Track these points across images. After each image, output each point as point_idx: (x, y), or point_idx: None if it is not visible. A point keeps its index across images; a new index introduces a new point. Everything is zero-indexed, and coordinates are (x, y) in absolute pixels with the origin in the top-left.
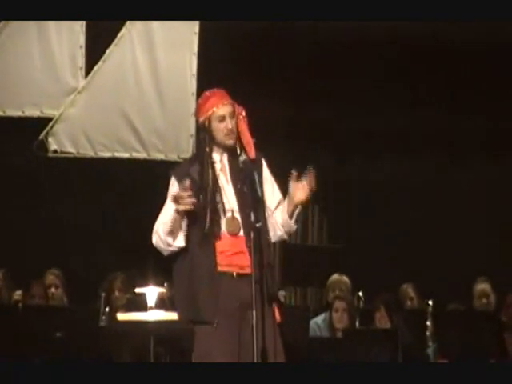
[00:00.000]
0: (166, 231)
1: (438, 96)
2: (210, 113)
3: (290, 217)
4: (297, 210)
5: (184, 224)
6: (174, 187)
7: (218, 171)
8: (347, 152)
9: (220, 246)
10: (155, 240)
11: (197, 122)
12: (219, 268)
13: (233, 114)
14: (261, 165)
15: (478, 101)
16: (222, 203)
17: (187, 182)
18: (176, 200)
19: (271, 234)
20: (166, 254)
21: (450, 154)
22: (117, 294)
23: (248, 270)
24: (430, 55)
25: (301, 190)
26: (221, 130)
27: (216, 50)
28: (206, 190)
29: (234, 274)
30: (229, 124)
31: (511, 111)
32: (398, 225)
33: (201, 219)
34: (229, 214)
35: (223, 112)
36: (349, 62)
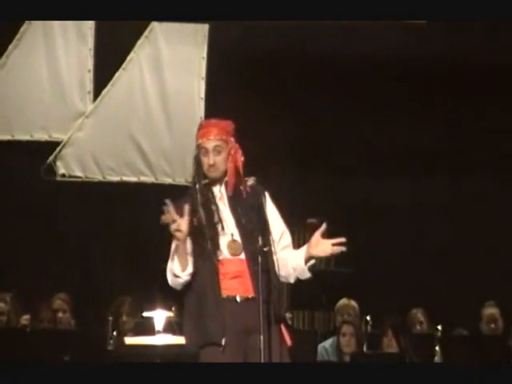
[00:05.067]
0: (174, 264)
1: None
2: (197, 143)
3: (306, 262)
4: (312, 260)
5: (189, 250)
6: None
7: (217, 199)
8: (354, 174)
9: (222, 269)
10: (169, 279)
11: None
12: (223, 292)
13: (219, 150)
14: (264, 197)
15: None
16: (222, 227)
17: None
18: (173, 228)
19: (282, 270)
20: (179, 288)
21: (455, 177)
22: (124, 318)
23: (251, 294)
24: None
25: (324, 247)
26: (204, 163)
27: (223, 75)
28: (199, 211)
29: (238, 299)
30: (211, 160)
31: None
32: (407, 249)
33: (201, 243)
34: (229, 238)
35: (207, 146)
36: (354, 81)
